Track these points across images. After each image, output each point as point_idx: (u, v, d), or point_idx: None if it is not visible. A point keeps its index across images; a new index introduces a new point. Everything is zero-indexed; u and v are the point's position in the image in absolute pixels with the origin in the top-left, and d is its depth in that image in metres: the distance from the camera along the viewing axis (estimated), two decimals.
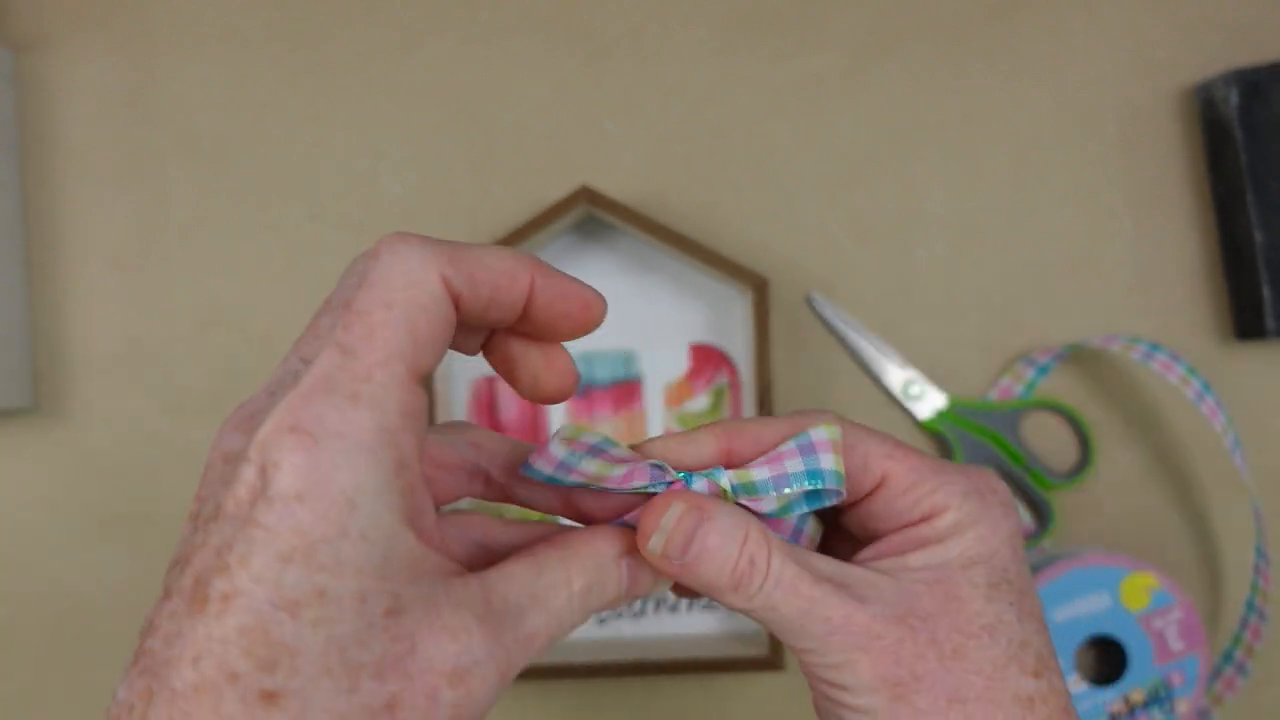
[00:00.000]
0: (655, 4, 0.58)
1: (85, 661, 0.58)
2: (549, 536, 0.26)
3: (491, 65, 0.58)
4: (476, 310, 0.24)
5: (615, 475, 0.27)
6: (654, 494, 0.27)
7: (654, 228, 0.53)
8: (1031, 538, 0.57)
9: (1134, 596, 0.55)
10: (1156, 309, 0.58)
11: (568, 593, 0.25)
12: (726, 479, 0.27)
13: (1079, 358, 0.58)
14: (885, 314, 0.58)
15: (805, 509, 0.28)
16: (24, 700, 0.58)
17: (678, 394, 0.58)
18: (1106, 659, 0.57)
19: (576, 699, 0.58)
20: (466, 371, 0.58)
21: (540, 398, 0.28)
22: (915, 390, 0.57)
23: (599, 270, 0.58)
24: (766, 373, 0.53)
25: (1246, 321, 0.56)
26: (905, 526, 0.28)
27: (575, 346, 0.58)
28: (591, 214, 0.55)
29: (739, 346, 0.58)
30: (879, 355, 0.57)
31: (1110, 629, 0.54)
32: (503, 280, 0.24)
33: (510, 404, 0.58)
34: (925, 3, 0.58)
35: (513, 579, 0.24)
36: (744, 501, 0.27)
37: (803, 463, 0.27)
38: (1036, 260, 0.58)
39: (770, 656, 0.53)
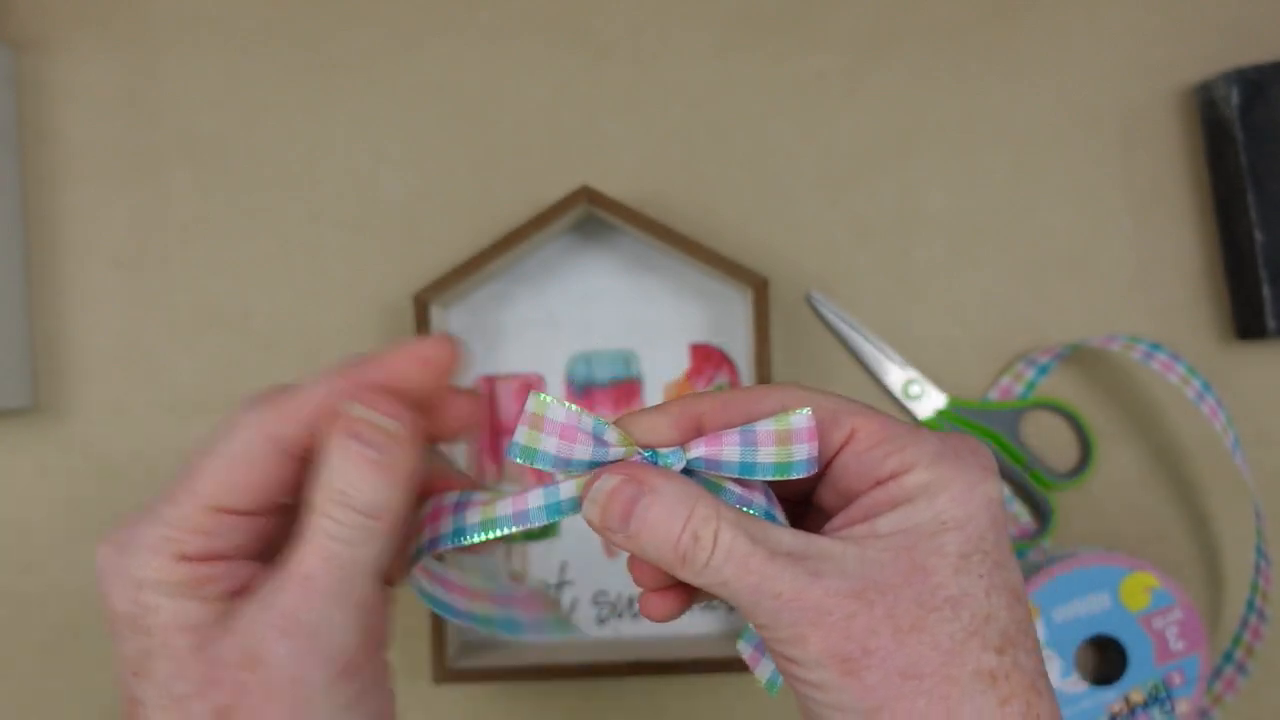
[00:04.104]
0: (655, 5, 0.58)
1: (85, 661, 0.58)
2: None
3: (491, 65, 0.58)
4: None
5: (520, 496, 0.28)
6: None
7: (654, 228, 0.53)
8: (1031, 538, 0.57)
9: (1134, 596, 0.55)
10: (1156, 309, 0.58)
11: (331, 501, 0.27)
12: (680, 458, 0.28)
13: (1079, 358, 0.58)
14: (885, 314, 0.58)
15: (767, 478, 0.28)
16: (24, 700, 0.58)
17: (678, 393, 0.58)
18: (1107, 659, 0.57)
19: (576, 699, 0.58)
20: (467, 370, 0.58)
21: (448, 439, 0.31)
22: (915, 390, 0.57)
23: (599, 270, 0.58)
24: (766, 372, 0.53)
25: (1246, 321, 0.56)
26: (875, 486, 0.27)
27: (576, 346, 0.58)
28: (591, 214, 0.55)
29: (739, 346, 0.58)
30: (879, 355, 0.57)
31: (1110, 629, 0.54)
32: (322, 408, 0.28)
33: (510, 403, 0.58)
34: (925, 3, 0.58)
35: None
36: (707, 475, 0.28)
37: (740, 453, 0.28)
38: (1036, 260, 0.58)
39: None
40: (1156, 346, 0.55)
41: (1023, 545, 0.57)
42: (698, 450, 0.28)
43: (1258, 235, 0.54)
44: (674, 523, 0.26)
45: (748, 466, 0.27)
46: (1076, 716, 0.55)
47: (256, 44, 0.58)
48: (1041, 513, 0.57)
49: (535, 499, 0.28)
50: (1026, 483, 0.57)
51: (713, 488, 0.28)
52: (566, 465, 0.28)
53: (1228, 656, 0.56)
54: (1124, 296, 0.58)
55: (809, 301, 0.58)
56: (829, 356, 0.58)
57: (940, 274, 0.58)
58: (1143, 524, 0.58)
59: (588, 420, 0.28)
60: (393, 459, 0.27)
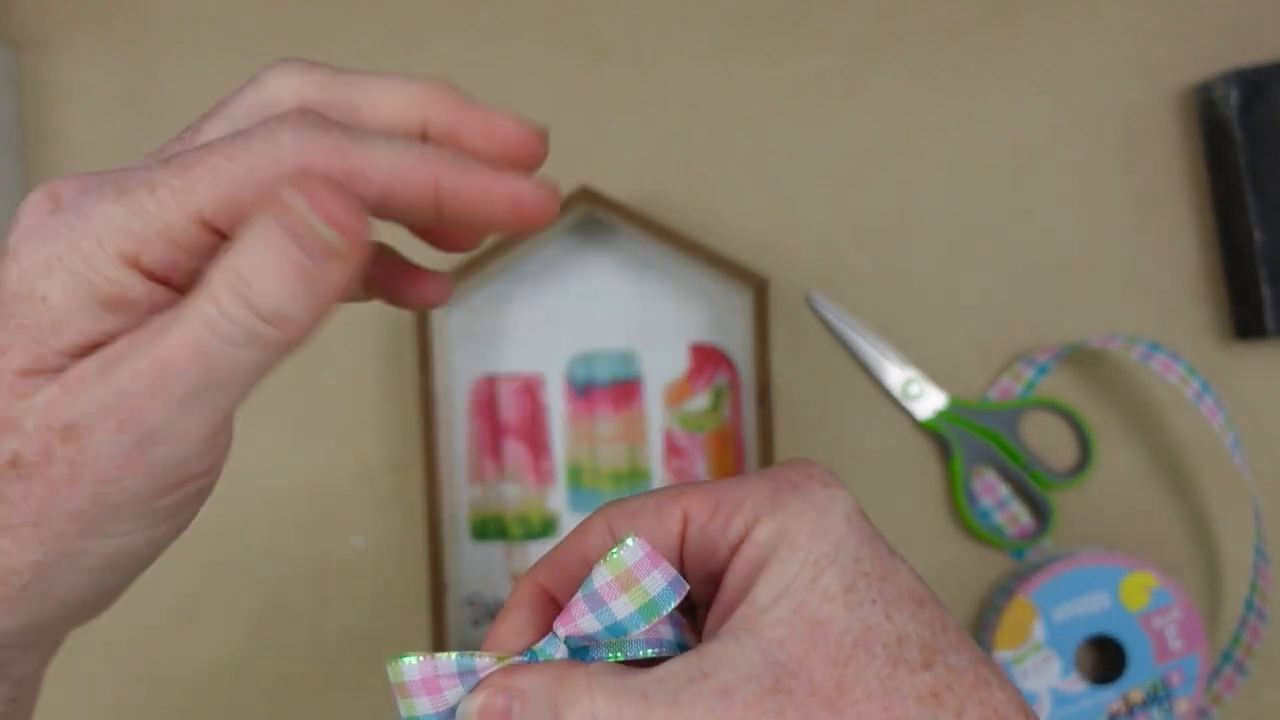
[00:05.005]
0: (655, 5, 0.58)
1: (84, 660, 0.58)
2: None
3: (491, 65, 0.58)
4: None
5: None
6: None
7: (654, 228, 0.53)
8: (1031, 538, 0.57)
9: (1133, 596, 0.55)
10: (1156, 309, 0.58)
11: (228, 287, 0.21)
12: (556, 644, 0.25)
13: (1079, 358, 0.58)
14: (885, 314, 0.58)
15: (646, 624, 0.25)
16: None
17: (678, 394, 0.58)
18: (1106, 658, 0.57)
19: None
20: (468, 370, 0.58)
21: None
22: (915, 390, 0.57)
23: (599, 270, 0.58)
24: (766, 373, 0.53)
25: (1246, 321, 0.56)
26: (732, 556, 0.25)
27: (576, 346, 0.58)
28: (591, 214, 0.55)
29: (739, 346, 0.58)
30: (879, 355, 0.57)
31: (1110, 628, 0.55)
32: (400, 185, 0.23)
33: (510, 404, 0.58)
34: (925, 3, 0.58)
35: (176, 304, 0.22)
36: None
37: (596, 619, 0.25)
38: (1036, 260, 0.58)
39: None
40: (1156, 346, 0.55)
41: (1023, 545, 0.57)
42: (562, 631, 0.25)
43: (1257, 235, 0.54)
44: (543, 717, 0.24)
45: (615, 628, 0.25)
46: (1076, 716, 0.55)
47: (256, 44, 0.58)
48: (1041, 513, 0.57)
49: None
50: (1026, 483, 0.57)
51: (617, 647, 0.26)
52: (451, 713, 0.25)
53: (1227, 656, 0.56)
54: (1124, 296, 0.58)
55: (809, 301, 0.58)
56: (829, 356, 0.58)
57: (940, 274, 0.58)
58: (1142, 524, 0.58)
59: (447, 662, 0.25)
60: (322, 272, 0.22)
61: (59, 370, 0.22)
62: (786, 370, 0.58)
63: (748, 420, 0.57)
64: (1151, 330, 0.57)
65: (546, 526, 0.58)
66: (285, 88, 0.24)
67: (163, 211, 0.21)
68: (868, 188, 0.58)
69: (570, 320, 0.58)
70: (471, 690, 0.25)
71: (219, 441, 0.23)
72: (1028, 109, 0.58)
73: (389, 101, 0.25)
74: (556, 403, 0.58)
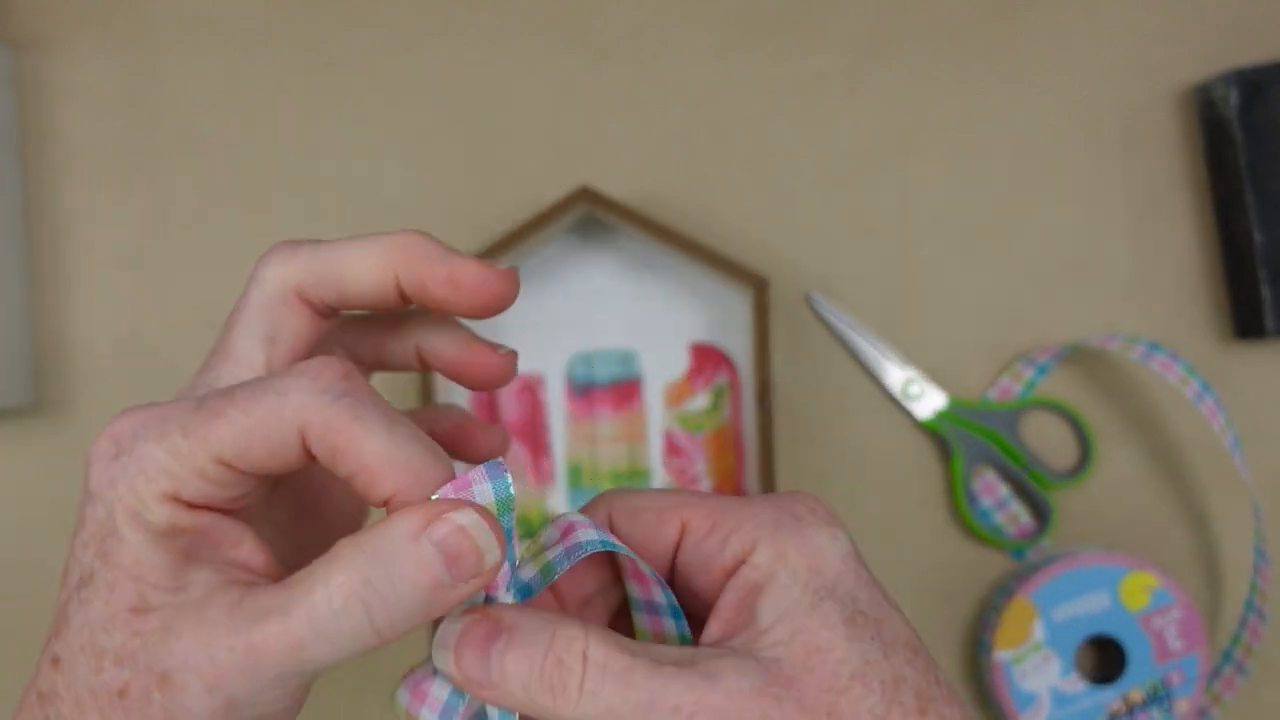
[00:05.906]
0: (655, 5, 0.58)
1: None
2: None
3: (491, 65, 0.58)
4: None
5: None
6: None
7: (654, 228, 0.53)
8: (1031, 538, 0.57)
9: (1133, 596, 0.55)
10: (1156, 309, 0.58)
11: (324, 592, 0.22)
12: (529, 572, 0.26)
13: (1079, 357, 0.58)
14: (885, 314, 0.58)
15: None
16: None
17: (678, 394, 0.58)
18: (1106, 658, 0.57)
19: None
20: None
21: (473, 386, 0.29)
22: (915, 390, 0.57)
23: (599, 270, 0.58)
24: (766, 373, 0.53)
25: (1246, 321, 0.56)
26: (727, 578, 0.25)
27: (576, 346, 0.58)
28: (591, 214, 0.55)
29: (739, 346, 0.58)
30: (879, 355, 0.57)
31: (1110, 628, 0.55)
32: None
33: (510, 403, 0.58)
34: (925, 3, 0.58)
35: (281, 585, 0.23)
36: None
37: (594, 533, 0.26)
38: (1036, 260, 0.58)
39: None
40: (1156, 346, 0.55)
41: (1022, 545, 0.57)
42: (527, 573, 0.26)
43: (1257, 235, 0.54)
44: (535, 651, 0.23)
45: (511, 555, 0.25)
46: (1076, 716, 0.55)
47: (256, 44, 0.58)
48: (1041, 513, 0.57)
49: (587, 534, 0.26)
50: (1026, 483, 0.57)
51: (538, 560, 0.26)
52: (453, 710, 0.25)
53: (1227, 656, 0.56)
54: (1124, 296, 0.58)
55: (809, 301, 0.58)
56: (829, 356, 0.58)
57: (940, 274, 0.58)
58: (1142, 524, 0.58)
59: (422, 669, 0.25)
60: (454, 594, 0.23)
61: (161, 611, 0.23)
62: (786, 370, 0.58)
63: (748, 420, 0.57)
64: (1151, 330, 0.57)
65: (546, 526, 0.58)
66: (279, 282, 0.27)
67: (193, 455, 0.23)
68: (868, 188, 0.58)
69: (570, 320, 0.58)
70: (454, 617, 0.24)
71: (299, 698, 0.25)
72: (1028, 109, 0.58)
73: (364, 267, 0.26)
74: (556, 402, 0.58)
